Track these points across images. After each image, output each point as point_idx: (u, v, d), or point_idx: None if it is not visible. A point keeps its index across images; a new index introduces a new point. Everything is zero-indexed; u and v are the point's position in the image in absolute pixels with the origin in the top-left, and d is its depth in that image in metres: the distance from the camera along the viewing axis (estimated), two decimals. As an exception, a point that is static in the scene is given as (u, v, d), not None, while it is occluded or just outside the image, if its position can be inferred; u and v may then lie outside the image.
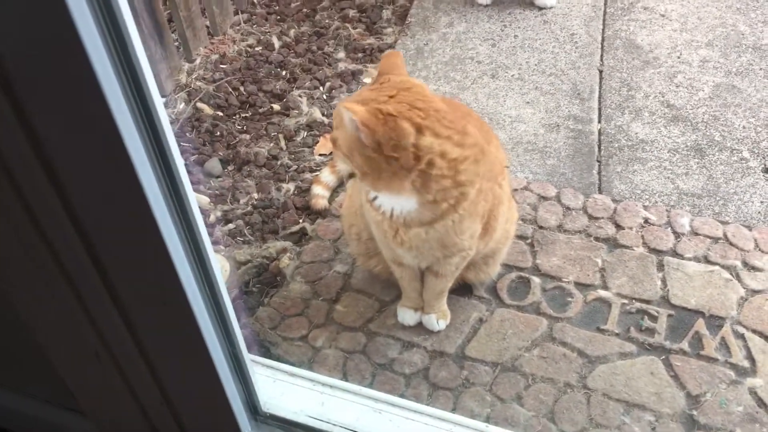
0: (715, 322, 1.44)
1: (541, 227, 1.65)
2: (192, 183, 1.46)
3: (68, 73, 0.58)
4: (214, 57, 2.20)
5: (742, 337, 1.41)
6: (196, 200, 0.78)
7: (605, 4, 2.30)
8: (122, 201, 0.68)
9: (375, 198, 1.22)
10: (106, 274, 0.77)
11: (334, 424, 1.04)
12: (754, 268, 1.52)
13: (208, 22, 2.24)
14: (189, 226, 0.76)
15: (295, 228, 1.75)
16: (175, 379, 0.95)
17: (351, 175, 1.68)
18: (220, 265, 1.57)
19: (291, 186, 1.85)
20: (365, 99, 1.11)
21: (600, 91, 2.00)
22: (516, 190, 1.73)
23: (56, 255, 0.75)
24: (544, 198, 1.71)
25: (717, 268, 1.53)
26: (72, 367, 0.99)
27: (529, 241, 1.62)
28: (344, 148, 1.12)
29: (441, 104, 1.12)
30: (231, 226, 1.77)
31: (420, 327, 1.47)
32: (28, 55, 0.58)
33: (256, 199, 1.83)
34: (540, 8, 2.30)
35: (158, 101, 0.66)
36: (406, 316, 1.47)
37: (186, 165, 1.90)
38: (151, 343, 0.90)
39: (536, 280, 1.55)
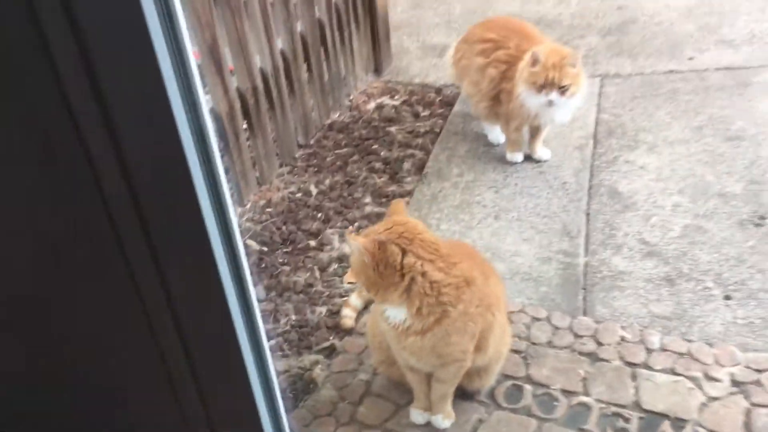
0: (679, 423, 1.69)
1: (533, 343, 1.95)
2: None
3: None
4: (262, 202, 2.63)
5: (702, 436, 1.66)
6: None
7: (592, 157, 2.71)
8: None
9: (385, 310, 1.56)
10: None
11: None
12: (713, 379, 1.79)
13: (257, 174, 2.69)
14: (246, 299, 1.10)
15: (326, 344, 2.07)
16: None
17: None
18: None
19: (323, 309, 2.19)
20: (368, 233, 1.50)
21: (587, 231, 2.35)
22: (513, 312, 2.04)
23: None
24: (537, 319, 2.02)
25: (682, 378, 1.80)
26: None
27: (523, 354, 1.92)
28: (356, 271, 1.49)
29: (430, 236, 1.50)
30: (272, 342, 2.10)
31: (429, 426, 1.75)
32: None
33: (293, 320, 2.16)
34: (537, 161, 2.72)
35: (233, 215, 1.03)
36: (417, 416, 1.76)
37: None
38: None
39: (528, 387, 1.83)
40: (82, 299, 1.14)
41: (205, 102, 0.94)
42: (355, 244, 1.45)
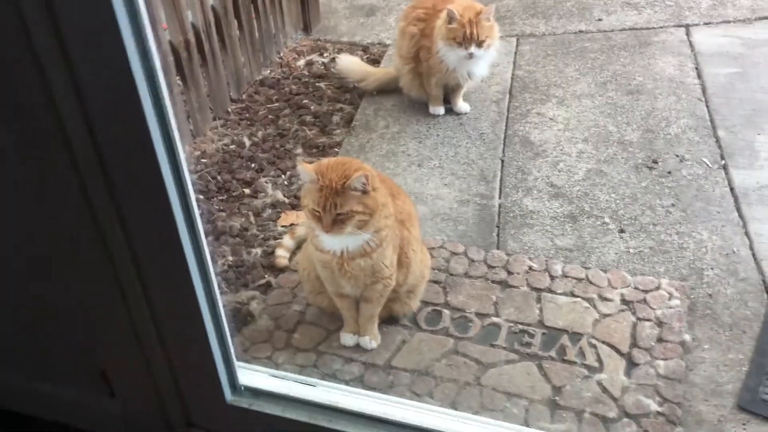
0: (576, 336, 1.94)
1: (451, 274, 2.16)
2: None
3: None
4: (197, 153, 2.74)
5: (594, 347, 1.91)
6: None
7: (508, 110, 2.92)
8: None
9: (322, 242, 1.73)
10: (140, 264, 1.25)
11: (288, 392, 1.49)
12: (606, 299, 2.04)
13: (191, 126, 2.79)
14: (196, 236, 1.25)
15: (262, 281, 2.23)
16: (183, 363, 1.41)
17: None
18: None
19: (258, 250, 2.34)
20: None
21: (501, 176, 2.57)
22: (434, 248, 2.24)
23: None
24: (455, 254, 2.23)
25: (579, 299, 2.04)
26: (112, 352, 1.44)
27: (442, 284, 2.13)
28: (371, 211, 1.66)
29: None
30: (210, 281, 2.23)
31: (358, 347, 1.94)
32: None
33: (230, 261, 2.31)
34: (458, 114, 2.91)
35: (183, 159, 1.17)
36: (347, 338, 1.95)
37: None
38: (168, 333, 1.37)
39: (446, 312, 2.04)
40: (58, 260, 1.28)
41: (153, 46, 1.07)
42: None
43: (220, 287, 2.22)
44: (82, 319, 1.42)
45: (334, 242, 1.72)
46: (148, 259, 1.28)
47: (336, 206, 1.63)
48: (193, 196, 1.24)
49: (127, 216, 1.21)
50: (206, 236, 2.39)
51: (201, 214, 2.50)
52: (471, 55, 2.63)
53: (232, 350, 1.44)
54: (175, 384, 1.47)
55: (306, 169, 1.65)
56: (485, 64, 2.77)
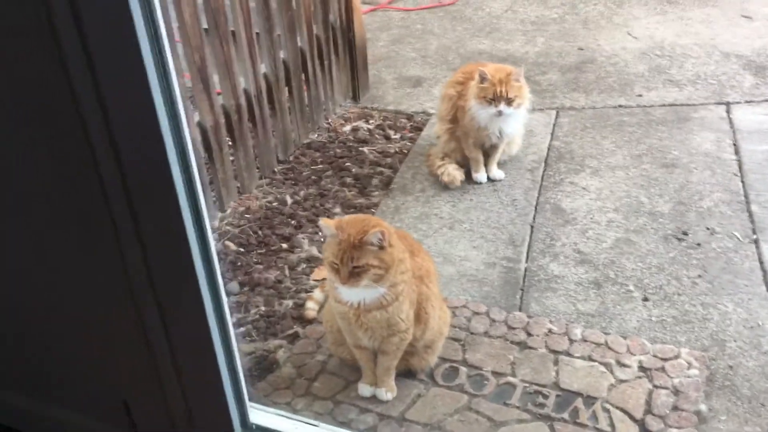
0: (590, 400, 1.95)
1: (471, 333, 2.21)
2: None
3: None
4: (241, 209, 2.91)
5: (608, 411, 1.91)
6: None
7: (542, 178, 3.00)
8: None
9: (340, 294, 1.82)
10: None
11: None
12: (623, 365, 2.05)
13: (239, 184, 2.97)
14: (213, 278, 1.37)
15: (290, 331, 2.33)
16: (197, 399, 1.52)
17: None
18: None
19: (290, 302, 2.45)
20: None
21: (529, 241, 2.63)
22: (456, 307, 2.31)
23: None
24: (477, 313, 2.29)
25: (596, 364, 2.06)
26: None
27: (461, 342, 2.18)
28: (387, 266, 1.75)
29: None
30: (242, 329, 2.35)
31: (374, 398, 2.00)
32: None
33: (262, 311, 2.42)
34: (492, 180, 3.01)
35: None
36: (364, 389, 2.01)
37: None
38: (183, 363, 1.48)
39: (463, 369, 2.09)
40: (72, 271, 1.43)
41: (185, 119, 1.22)
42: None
43: (250, 335, 2.34)
44: (106, 351, 1.55)
45: (351, 294, 1.81)
46: (170, 304, 1.40)
47: (353, 259, 1.73)
48: (214, 251, 1.36)
49: (153, 265, 1.34)
50: (242, 287, 2.54)
51: (240, 266, 2.66)
52: (500, 113, 2.76)
53: (245, 390, 1.54)
54: (188, 418, 1.57)
55: (327, 225, 1.76)
56: (516, 123, 2.90)
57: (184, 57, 2.56)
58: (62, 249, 1.40)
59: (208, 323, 1.38)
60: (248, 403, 1.58)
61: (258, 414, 1.64)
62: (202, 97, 2.63)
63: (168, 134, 1.17)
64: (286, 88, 3.18)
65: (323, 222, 1.78)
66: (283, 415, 1.67)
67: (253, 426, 1.58)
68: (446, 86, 3.08)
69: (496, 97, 2.75)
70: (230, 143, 2.90)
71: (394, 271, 1.79)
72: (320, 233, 2.78)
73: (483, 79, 2.76)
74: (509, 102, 2.76)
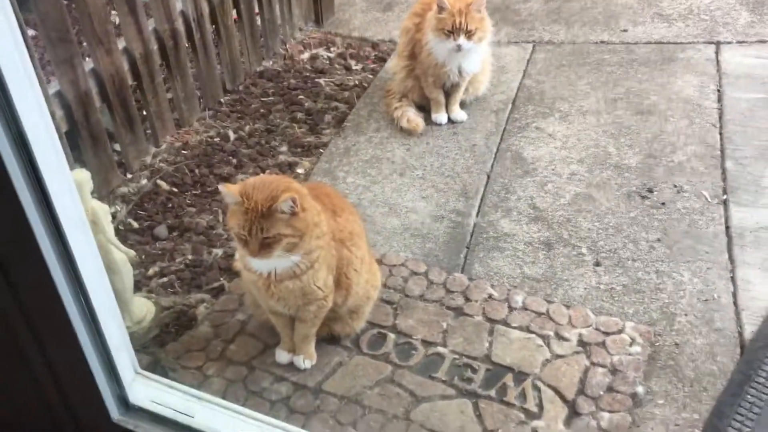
0: (521, 377, 1.81)
1: (406, 295, 2.06)
2: (137, 241, 1.95)
3: None
4: (178, 144, 2.70)
5: (538, 389, 1.78)
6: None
7: (507, 122, 2.78)
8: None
9: (249, 263, 1.65)
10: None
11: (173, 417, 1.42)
12: (562, 338, 1.90)
13: (177, 116, 2.75)
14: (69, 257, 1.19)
15: (216, 284, 2.17)
16: (70, 382, 1.37)
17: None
18: (146, 308, 2.00)
19: (220, 251, 2.28)
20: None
21: (483, 193, 2.44)
22: (394, 265, 2.14)
23: None
24: (415, 273, 2.12)
25: (533, 336, 1.91)
26: None
27: (394, 305, 2.03)
28: (301, 233, 1.56)
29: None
30: (165, 279, 2.19)
31: (292, 365, 1.86)
32: None
33: (189, 260, 2.26)
34: (453, 122, 2.78)
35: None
36: (281, 356, 1.87)
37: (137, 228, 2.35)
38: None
39: (392, 336, 1.94)
40: None
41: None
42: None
43: (172, 286, 2.18)
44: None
45: (261, 264, 1.63)
46: (23, 286, 1.23)
47: (262, 230, 1.54)
48: (65, 225, 1.17)
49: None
50: (171, 231, 2.35)
51: (171, 208, 2.46)
52: (459, 47, 2.50)
53: (119, 369, 1.38)
54: (64, 403, 1.43)
55: (229, 191, 1.55)
56: (476, 59, 2.64)
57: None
58: None
59: (64, 305, 1.21)
60: (131, 384, 1.43)
61: (149, 390, 1.49)
62: (128, 21, 2.38)
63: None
64: (234, 10, 2.90)
65: (224, 188, 1.56)
66: (175, 389, 1.51)
67: (135, 407, 1.44)
68: (407, 18, 2.80)
69: (455, 28, 2.48)
70: (164, 70, 2.66)
71: (309, 237, 1.60)
72: (261, 174, 2.58)
73: (441, 8, 2.48)
74: (469, 35, 2.49)
